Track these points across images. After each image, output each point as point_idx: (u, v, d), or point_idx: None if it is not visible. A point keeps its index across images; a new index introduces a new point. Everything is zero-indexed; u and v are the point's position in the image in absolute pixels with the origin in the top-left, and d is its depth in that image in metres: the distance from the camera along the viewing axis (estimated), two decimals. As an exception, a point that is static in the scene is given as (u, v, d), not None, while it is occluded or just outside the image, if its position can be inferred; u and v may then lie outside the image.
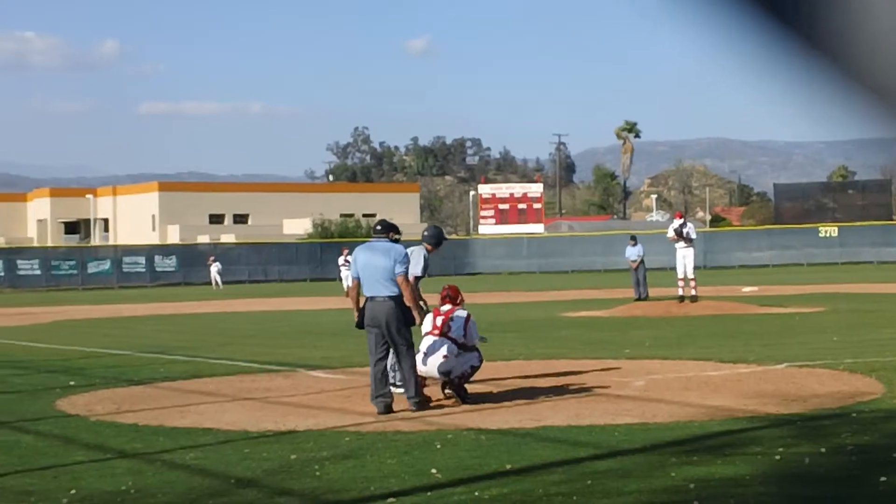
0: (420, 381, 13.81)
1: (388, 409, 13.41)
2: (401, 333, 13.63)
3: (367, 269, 13.73)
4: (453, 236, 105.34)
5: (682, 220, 34.20)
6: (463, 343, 14.35)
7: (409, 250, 14.40)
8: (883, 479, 8.86)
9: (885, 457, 9.73)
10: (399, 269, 13.64)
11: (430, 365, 13.93)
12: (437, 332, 14.11)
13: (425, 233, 15.32)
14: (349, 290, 14.28)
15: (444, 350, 14.00)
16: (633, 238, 39.92)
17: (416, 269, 14.43)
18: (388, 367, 13.90)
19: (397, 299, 13.63)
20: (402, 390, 14.00)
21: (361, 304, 13.90)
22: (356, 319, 14.04)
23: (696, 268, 33.93)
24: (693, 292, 33.31)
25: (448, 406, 13.78)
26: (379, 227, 14.20)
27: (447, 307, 14.54)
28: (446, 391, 14.15)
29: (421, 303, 14.53)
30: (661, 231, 65.49)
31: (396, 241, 14.17)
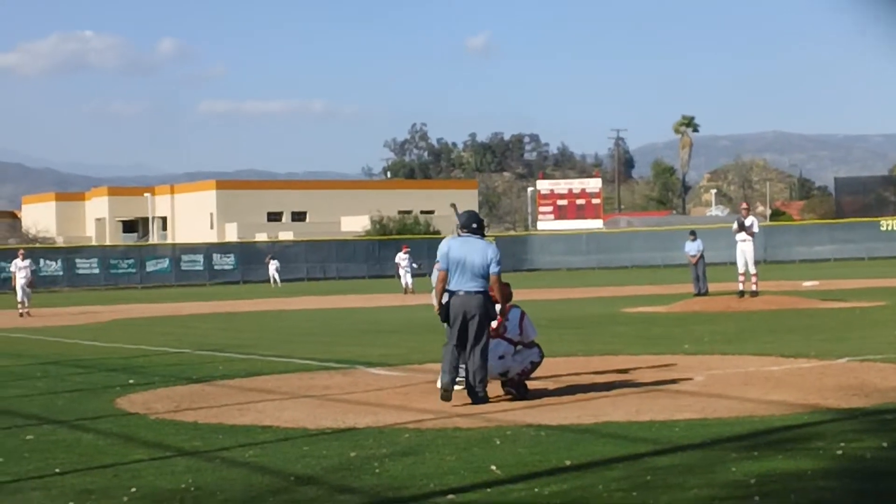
0: (486, 377, 13.88)
1: (450, 389, 13.72)
2: (482, 327, 13.80)
3: (461, 263, 13.88)
4: (511, 233, 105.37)
5: (746, 214, 34.00)
6: (520, 341, 14.37)
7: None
8: (949, 474, 8.78)
9: (951, 452, 9.64)
10: (494, 268, 13.91)
11: (491, 367, 13.95)
12: (493, 333, 14.11)
13: (461, 219, 15.18)
14: (436, 282, 14.19)
15: (500, 350, 14.05)
16: (693, 233, 39.82)
17: (442, 262, 14.32)
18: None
19: (486, 294, 13.87)
20: (461, 387, 14.12)
21: (446, 297, 14.02)
22: (439, 308, 14.15)
23: (756, 262, 33.77)
24: (753, 287, 33.14)
25: (506, 402, 13.77)
26: (475, 225, 14.28)
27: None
28: (506, 388, 14.17)
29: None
30: (720, 226, 65.31)
31: (482, 234, 14.37)
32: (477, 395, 13.68)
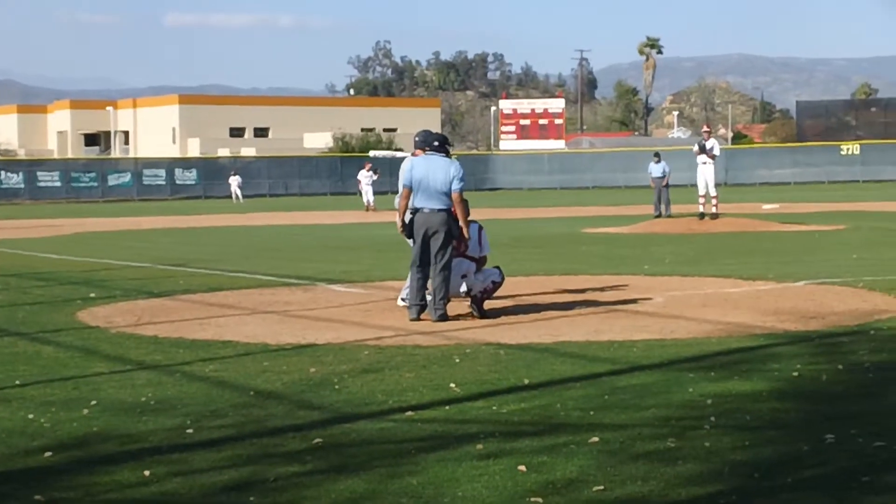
0: (447, 295, 13.93)
1: (419, 315, 13.81)
2: (445, 245, 13.84)
3: (424, 181, 13.92)
4: (474, 152, 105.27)
5: (708, 137, 34.16)
6: (482, 257, 14.43)
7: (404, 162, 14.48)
8: (900, 396, 8.88)
9: (903, 375, 9.74)
10: (456, 185, 13.94)
11: (452, 285, 14.00)
12: (456, 251, 14.15)
13: (416, 138, 15.13)
14: (400, 200, 14.22)
15: (462, 269, 14.09)
16: (657, 155, 39.84)
17: (402, 180, 14.31)
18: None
19: (449, 212, 13.90)
20: (405, 303, 14.34)
21: (408, 215, 14.08)
22: (402, 226, 14.20)
23: (717, 185, 33.89)
24: (714, 209, 33.32)
25: (466, 321, 13.82)
26: (437, 143, 14.30)
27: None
28: (471, 306, 14.22)
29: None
30: (682, 148, 65.33)
31: (447, 152, 14.35)
32: (437, 313, 13.74)
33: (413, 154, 14.51)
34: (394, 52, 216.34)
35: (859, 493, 6.36)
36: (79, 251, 28.37)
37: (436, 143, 14.33)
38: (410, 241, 14.16)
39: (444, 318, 13.70)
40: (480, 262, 14.49)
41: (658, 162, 38.90)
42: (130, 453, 7.60)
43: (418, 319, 13.75)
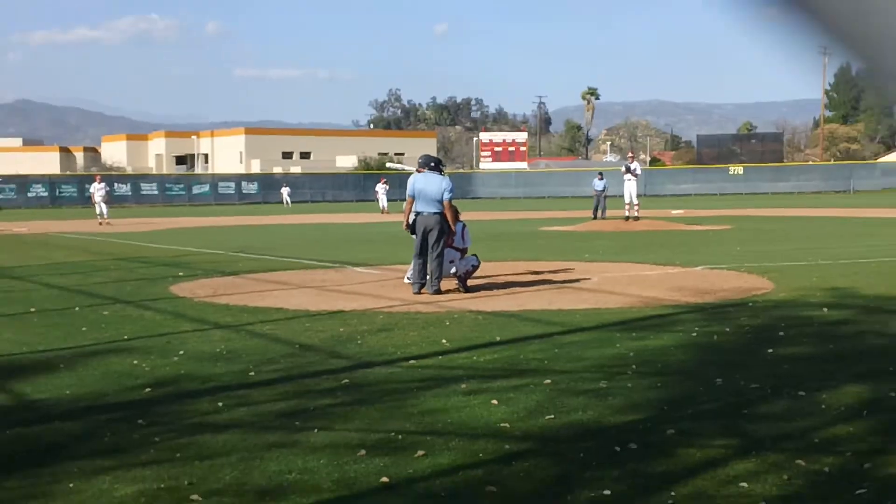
0: (441, 275, 13.97)
1: (420, 290, 13.80)
2: (439, 239, 13.88)
3: (423, 192, 13.95)
4: (461, 171, 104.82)
5: (632, 160, 34.29)
6: (465, 248, 14.49)
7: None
8: (770, 350, 8.89)
9: (773, 335, 9.76)
10: (447, 195, 13.96)
11: (444, 268, 14.06)
12: (447, 243, 14.18)
13: (419, 160, 15.15)
14: (406, 205, 14.19)
15: (450, 257, 14.17)
16: (601, 175, 39.52)
17: (408, 191, 14.31)
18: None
19: (441, 215, 13.93)
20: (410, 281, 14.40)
21: (412, 217, 14.08)
22: (407, 225, 14.20)
23: (638, 196, 33.94)
24: (636, 214, 33.32)
25: (454, 294, 13.82)
26: (433, 164, 14.31)
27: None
28: (458, 284, 14.22)
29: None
30: (613, 168, 65.20)
31: (440, 170, 14.36)
32: (432, 288, 13.78)
33: (417, 171, 14.52)
34: (402, 97, 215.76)
35: (740, 421, 6.39)
36: (170, 241, 28.34)
37: (432, 164, 14.36)
38: (413, 236, 14.19)
39: (438, 292, 13.71)
40: (464, 251, 14.53)
41: (601, 179, 38.66)
42: (208, 389, 7.61)
43: (419, 293, 13.76)
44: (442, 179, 14.09)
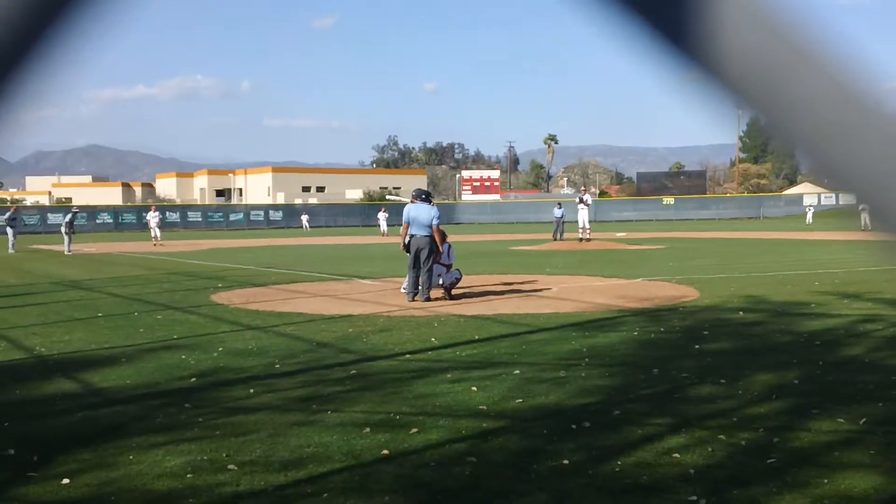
0: (430, 286, 13.99)
1: (413, 298, 13.79)
2: (429, 257, 13.86)
3: (416, 219, 13.95)
4: (446, 202, 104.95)
5: (584, 193, 34.38)
6: (450, 264, 14.47)
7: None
8: (696, 346, 8.90)
9: (698, 334, 9.76)
10: (435, 221, 13.98)
11: (433, 280, 14.05)
12: (435, 259, 14.19)
13: (412, 193, 15.26)
14: (402, 230, 14.17)
15: (438, 271, 14.18)
16: (560, 204, 39.48)
17: (404, 218, 14.35)
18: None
19: (430, 237, 13.92)
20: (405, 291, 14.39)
21: (407, 238, 14.06)
22: (403, 245, 14.15)
23: (590, 221, 34.03)
24: (588, 236, 33.38)
25: (442, 301, 13.80)
26: (424, 196, 14.38)
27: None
28: (444, 294, 14.18)
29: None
30: (569, 199, 65.31)
31: (430, 201, 14.42)
32: (423, 296, 13.75)
33: (411, 202, 14.54)
34: (399, 142, 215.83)
35: (673, 403, 6.39)
36: (211, 259, 28.26)
37: (423, 196, 14.40)
38: (408, 254, 14.18)
39: (428, 299, 13.69)
40: (449, 266, 14.50)
41: (560, 208, 38.59)
42: (241, 379, 7.57)
43: (413, 301, 13.74)
44: (431, 209, 14.09)
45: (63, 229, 33.14)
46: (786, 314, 11.54)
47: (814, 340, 9.19)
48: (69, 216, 33.59)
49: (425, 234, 13.95)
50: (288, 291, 16.14)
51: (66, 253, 32.13)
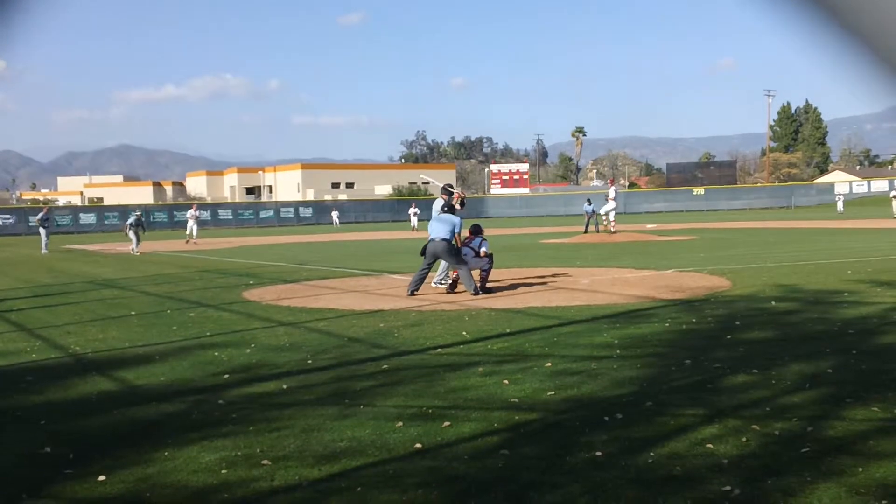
0: (455, 281, 14.06)
1: (413, 294, 13.91)
2: (452, 258, 14.02)
3: (435, 227, 14.23)
4: (476, 195, 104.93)
5: (612, 185, 34.21)
6: (480, 253, 14.41)
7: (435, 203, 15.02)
8: (729, 336, 8.84)
9: (731, 324, 9.70)
10: (456, 230, 14.22)
11: (470, 264, 14.21)
12: (461, 243, 14.37)
13: (441, 186, 15.67)
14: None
15: (468, 254, 14.29)
16: (589, 200, 39.42)
17: (434, 211, 14.91)
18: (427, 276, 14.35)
19: (447, 241, 14.07)
20: (443, 286, 14.50)
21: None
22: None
23: (617, 213, 34.01)
24: (614, 229, 33.31)
25: (472, 296, 13.81)
26: (445, 187, 15.07)
27: (467, 237, 14.68)
28: (477, 291, 14.09)
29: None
30: (598, 192, 65.12)
31: (451, 194, 14.97)
32: (475, 293, 13.76)
33: (441, 194, 15.08)
34: (427, 137, 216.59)
35: (706, 394, 6.35)
36: (242, 256, 28.44)
37: (445, 187, 15.25)
38: (422, 256, 14.40)
39: (478, 293, 13.71)
40: (482, 255, 14.46)
41: (589, 204, 38.41)
42: (274, 374, 7.62)
43: (413, 293, 13.93)
44: (451, 219, 14.33)
45: (128, 232, 33.25)
46: (819, 303, 11.43)
47: (847, 329, 9.10)
48: (132, 218, 33.81)
49: (442, 237, 14.14)
50: (319, 288, 16.21)
51: (133, 252, 32.34)
